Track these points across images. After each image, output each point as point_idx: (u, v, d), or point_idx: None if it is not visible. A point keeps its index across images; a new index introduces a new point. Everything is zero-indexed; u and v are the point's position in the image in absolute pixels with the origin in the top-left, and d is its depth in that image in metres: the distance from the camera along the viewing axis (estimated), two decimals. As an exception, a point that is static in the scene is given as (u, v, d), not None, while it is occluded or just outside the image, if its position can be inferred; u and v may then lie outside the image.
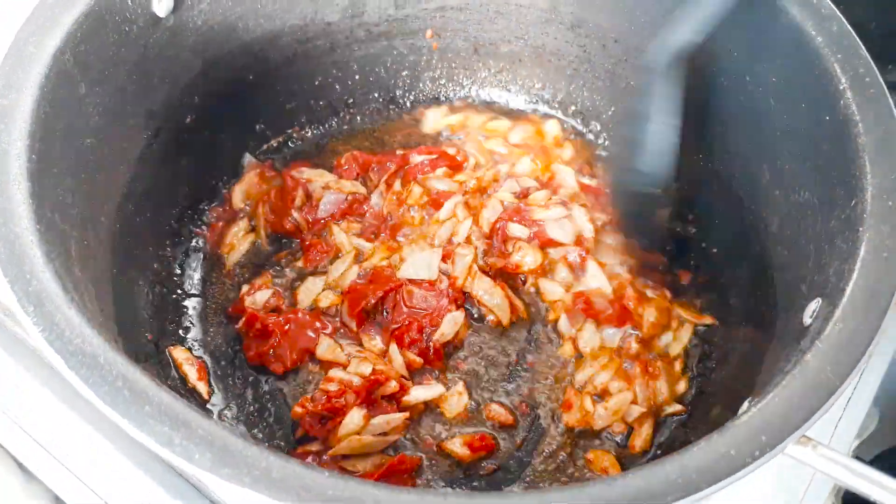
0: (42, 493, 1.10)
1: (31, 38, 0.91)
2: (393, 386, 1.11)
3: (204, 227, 1.29)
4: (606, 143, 1.44)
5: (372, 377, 1.11)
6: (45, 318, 0.72)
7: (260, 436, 1.10)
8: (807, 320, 0.86)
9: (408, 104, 1.48)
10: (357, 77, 1.43)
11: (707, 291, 1.26)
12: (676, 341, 1.21)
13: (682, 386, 1.17)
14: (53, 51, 0.91)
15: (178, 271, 1.24)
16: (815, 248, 0.94)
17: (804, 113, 1.01)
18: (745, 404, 0.82)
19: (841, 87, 0.94)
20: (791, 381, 0.74)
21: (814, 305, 0.86)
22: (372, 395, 1.11)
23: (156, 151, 1.15)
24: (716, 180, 1.25)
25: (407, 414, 1.11)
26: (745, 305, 1.15)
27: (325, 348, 1.15)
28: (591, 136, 1.45)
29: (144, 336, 1.11)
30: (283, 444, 1.10)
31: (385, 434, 1.09)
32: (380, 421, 1.09)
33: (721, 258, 1.25)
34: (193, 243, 1.27)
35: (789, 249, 1.03)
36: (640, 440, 1.12)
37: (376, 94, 1.46)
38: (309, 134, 1.42)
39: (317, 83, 1.40)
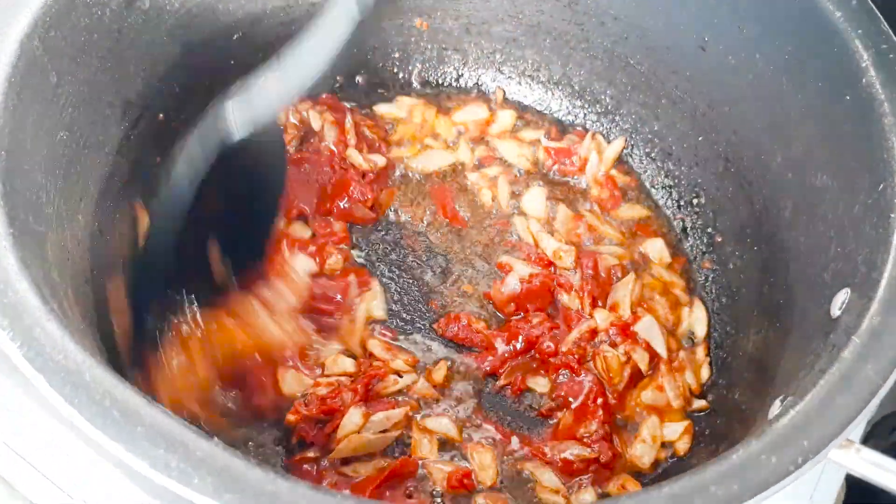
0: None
1: (-4, 21, 0.84)
2: (392, 381, 1.06)
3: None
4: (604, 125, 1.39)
5: (371, 372, 1.06)
6: (22, 333, 0.65)
7: (254, 445, 1.04)
8: (835, 312, 0.82)
9: (396, 88, 1.42)
10: (343, 61, 1.36)
11: (714, 278, 1.22)
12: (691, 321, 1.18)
13: (705, 373, 1.14)
14: (20, 37, 0.84)
15: (161, 270, 1.17)
16: (838, 235, 0.90)
17: (821, 92, 0.97)
18: (777, 403, 0.78)
19: (863, 65, 0.90)
20: (829, 380, 0.70)
21: (842, 296, 0.82)
22: (369, 392, 1.06)
23: (133, 144, 1.08)
24: (722, 163, 1.21)
25: (407, 408, 1.06)
26: (756, 294, 1.11)
27: (291, 381, 1.08)
28: (582, 118, 1.40)
29: (127, 342, 1.04)
30: (280, 449, 1.04)
31: (386, 431, 1.04)
32: (380, 417, 1.04)
33: (729, 244, 1.21)
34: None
35: (806, 236, 0.99)
36: (684, 445, 1.08)
37: (363, 79, 1.40)
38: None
39: (301, 68, 1.33)
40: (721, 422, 1.06)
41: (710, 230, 1.25)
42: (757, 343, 1.07)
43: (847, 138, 0.92)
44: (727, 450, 0.66)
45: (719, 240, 1.23)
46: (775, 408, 0.78)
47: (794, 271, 1.00)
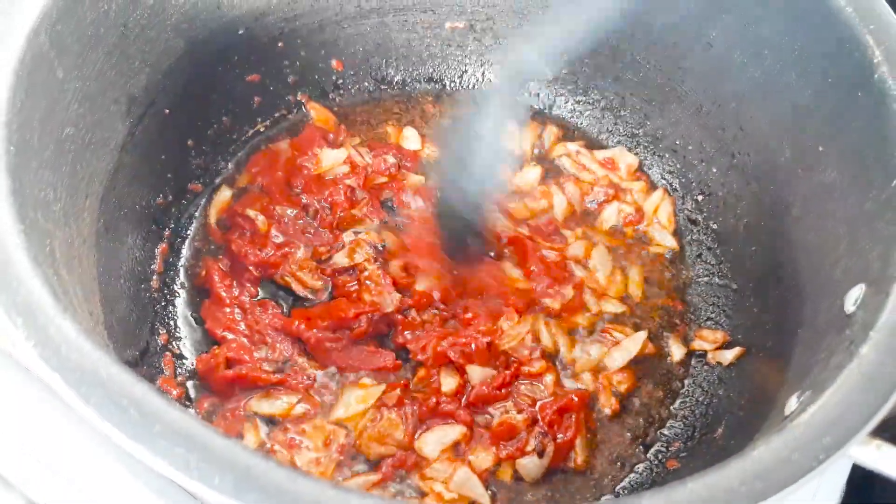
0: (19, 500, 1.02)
1: (1, 16, 0.83)
2: None
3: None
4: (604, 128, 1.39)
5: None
6: (37, 332, 0.64)
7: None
8: (849, 308, 0.81)
9: (397, 84, 1.41)
10: (346, 57, 1.35)
11: (720, 280, 1.22)
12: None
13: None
14: (28, 31, 0.83)
15: (166, 268, 1.16)
16: (849, 231, 0.90)
17: (831, 87, 0.97)
18: (794, 400, 0.77)
19: (875, 60, 0.89)
20: (849, 377, 0.69)
21: (856, 292, 0.81)
22: None
23: (138, 139, 1.07)
24: (727, 160, 1.21)
25: None
26: (763, 292, 1.11)
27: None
28: (585, 115, 1.39)
29: (133, 339, 1.03)
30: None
31: None
32: None
33: (735, 242, 1.21)
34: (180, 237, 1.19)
35: (815, 232, 0.99)
36: None
37: (366, 75, 1.39)
38: (297, 117, 1.34)
39: (304, 64, 1.32)
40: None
41: (714, 226, 1.25)
42: (767, 341, 1.06)
43: (859, 134, 0.92)
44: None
45: (725, 236, 1.23)
46: (792, 404, 0.77)
47: (804, 268, 1.00)
